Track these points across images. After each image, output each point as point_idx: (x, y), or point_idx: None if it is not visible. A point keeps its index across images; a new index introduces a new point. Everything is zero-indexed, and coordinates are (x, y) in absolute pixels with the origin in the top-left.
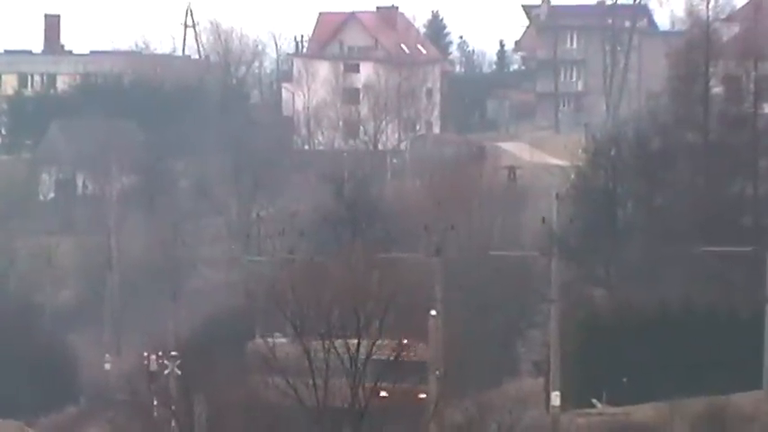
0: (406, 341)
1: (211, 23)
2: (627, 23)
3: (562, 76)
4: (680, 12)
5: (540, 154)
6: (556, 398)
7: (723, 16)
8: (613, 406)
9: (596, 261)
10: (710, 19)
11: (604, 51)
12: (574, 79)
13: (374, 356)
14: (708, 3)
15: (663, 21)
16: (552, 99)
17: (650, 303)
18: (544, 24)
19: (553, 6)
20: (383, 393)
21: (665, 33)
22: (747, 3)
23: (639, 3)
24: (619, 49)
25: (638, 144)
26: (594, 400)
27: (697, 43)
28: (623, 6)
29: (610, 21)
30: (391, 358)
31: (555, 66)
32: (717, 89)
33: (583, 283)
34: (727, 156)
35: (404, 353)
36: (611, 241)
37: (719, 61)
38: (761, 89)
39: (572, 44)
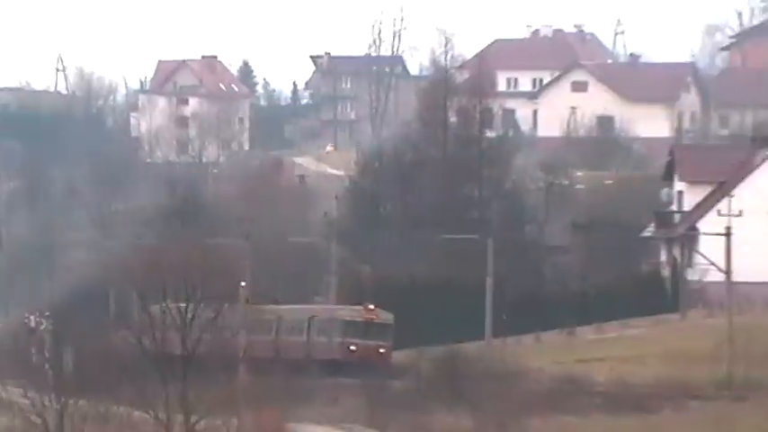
0: (372, 307)
1: (77, 68)
2: (387, 69)
3: (340, 108)
4: (426, 61)
5: (324, 166)
6: None
7: (457, 65)
8: None
9: (364, 245)
10: (448, 67)
11: (371, 90)
12: (348, 110)
13: (347, 318)
14: (446, 55)
15: (414, 68)
16: (332, 125)
17: (403, 276)
18: (326, 70)
19: (332, 56)
20: (353, 348)
21: (416, 77)
22: (474, 56)
23: (396, 54)
24: (381, 88)
25: (396, 158)
26: None
27: (438, 84)
28: (384, 57)
29: (374, 67)
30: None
31: (334, 100)
32: (453, 118)
33: (354, 262)
34: (461, 167)
35: (370, 317)
36: (376, 230)
37: (455, 98)
38: (484, 118)
39: (347, 84)
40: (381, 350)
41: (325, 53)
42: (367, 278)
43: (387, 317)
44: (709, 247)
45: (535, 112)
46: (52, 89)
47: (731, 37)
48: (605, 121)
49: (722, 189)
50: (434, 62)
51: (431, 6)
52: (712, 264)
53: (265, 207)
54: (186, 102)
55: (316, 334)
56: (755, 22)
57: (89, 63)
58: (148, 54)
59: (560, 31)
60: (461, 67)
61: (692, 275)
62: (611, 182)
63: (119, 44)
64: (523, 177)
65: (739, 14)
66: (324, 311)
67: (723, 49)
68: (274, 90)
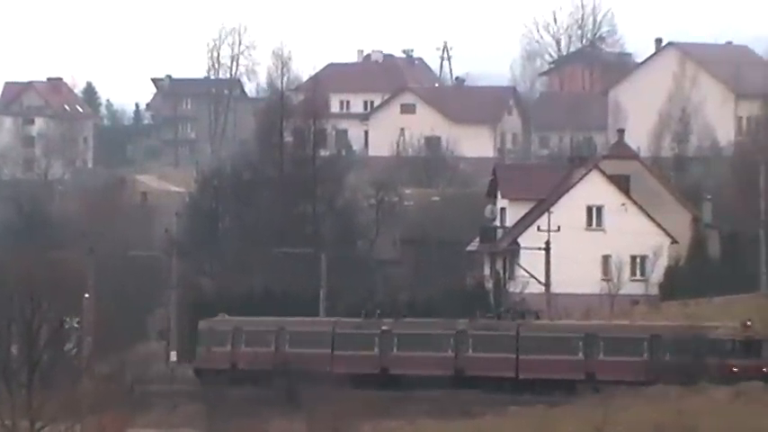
0: (749, 323)
1: None
2: (225, 91)
3: (180, 128)
4: (263, 83)
5: (165, 183)
6: (173, 355)
7: (293, 87)
8: None
9: (204, 259)
10: (284, 89)
11: (210, 111)
12: (189, 130)
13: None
14: (282, 78)
15: (251, 90)
16: (173, 144)
17: (242, 289)
18: (167, 91)
19: (173, 79)
20: (735, 369)
21: (253, 99)
22: (309, 79)
23: (234, 77)
24: (220, 109)
25: (234, 176)
26: None
27: (275, 106)
28: (222, 80)
29: (213, 90)
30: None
31: (175, 121)
32: (288, 138)
33: (194, 275)
34: (296, 185)
35: (749, 334)
36: (215, 245)
37: (290, 119)
38: (318, 139)
39: (187, 106)
40: (765, 369)
41: (166, 75)
42: (207, 291)
43: (765, 333)
44: (530, 260)
45: (366, 133)
46: None
47: (550, 63)
48: (432, 142)
49: (542, 206)
50: (271, 84)
51: (267, 30)
52: (532, 276)
53: (109, 222)
54: (32, 122)
55: (665, 353)
56: (572, 49)
57: None
58: None
59: (390, 56)
60: (296, 89)
61: (513, 287)
62: (438, 199)
63: None
64: (355, 194)
65: (557, 42)
66: (670, 329)
67: (542, 74)
68: (117, 110)
